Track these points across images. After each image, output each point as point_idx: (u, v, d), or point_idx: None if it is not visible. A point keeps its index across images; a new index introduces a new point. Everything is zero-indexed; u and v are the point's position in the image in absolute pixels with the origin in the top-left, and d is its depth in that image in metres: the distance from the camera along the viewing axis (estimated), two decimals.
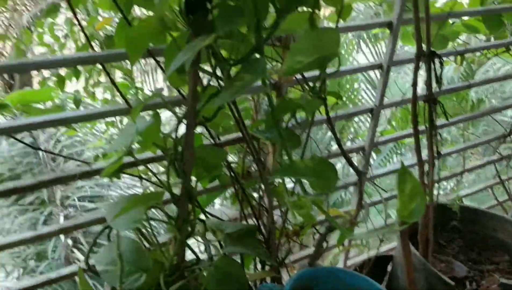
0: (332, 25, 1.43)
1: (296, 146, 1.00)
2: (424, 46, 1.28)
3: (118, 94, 2.40)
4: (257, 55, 0.88)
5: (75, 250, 3.72)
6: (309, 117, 1.09)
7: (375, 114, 1.61)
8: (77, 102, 1.81)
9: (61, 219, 3.89)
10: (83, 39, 2.21)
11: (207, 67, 0.94)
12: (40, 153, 3.83)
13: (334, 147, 2.58)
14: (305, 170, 0.88)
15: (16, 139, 1.43)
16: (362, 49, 5.12)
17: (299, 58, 0.90)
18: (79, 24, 1.01)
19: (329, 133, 4.63)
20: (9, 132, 0.91)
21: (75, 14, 0.97)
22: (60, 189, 4.08)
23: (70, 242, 3.72)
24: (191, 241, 1.07)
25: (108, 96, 2.38)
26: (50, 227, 1.15)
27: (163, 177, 1.05)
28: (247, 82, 0.80)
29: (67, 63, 0.96)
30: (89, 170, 1.07)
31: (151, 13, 0.97)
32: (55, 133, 3.79)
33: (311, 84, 1.06)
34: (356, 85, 4.82)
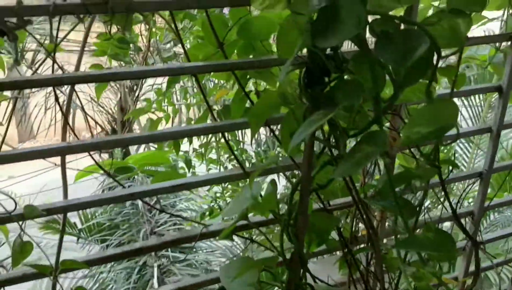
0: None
1: (413, 216, 0.99)
2: None
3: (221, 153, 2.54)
4: (376, 127, 0.90)
5: None
6: (423, 185, 1.08)
7: (484, 178, 1.57)
8: (188, 163, 1.93)
9: (155, 270, 3.98)
10: (194, 107, 2.37)
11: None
12: (140, 203, 3.98)
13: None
14: (425, 243, 0.87)
15: (114, 179, 1.51)
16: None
17: (417, 129, 0.91)
18: (203, 94, 1.09)
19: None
20: (141, 196, 0.99)
21: (200, 87, 1.05)
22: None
23: None
24: None
25: (213, 155, 2.51)
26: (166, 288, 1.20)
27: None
28: (369, 156, 0.82)
29: (193, 133, 1.04)
30: (207, 232, 1.13)
31: None
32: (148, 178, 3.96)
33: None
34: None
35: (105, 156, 6.33)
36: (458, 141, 5.07)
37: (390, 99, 0.91)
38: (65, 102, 0.95)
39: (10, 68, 0.87)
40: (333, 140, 0.98)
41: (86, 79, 0.92)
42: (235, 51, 1.20)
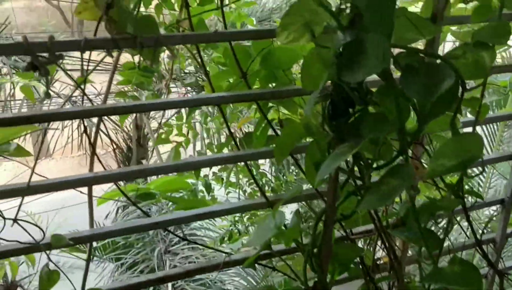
0: None
1: (438, 248, 0.99)
2: None
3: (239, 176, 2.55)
4: (402, 159, 0.90)
5: None
6: (448, 215, 1.07)
7: (506, 206, 1.55)
8: (208, 187, 1.93)
9: (169, 289, 3.95)
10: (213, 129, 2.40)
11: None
12: None
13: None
14: (451, 277, 0.86)
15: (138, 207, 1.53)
16: None
17: (442, 161, 0.92)
18: (227, 124, 1.10)
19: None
20: (165, 226, 1.00)
21: (224, 117, 1.06)
22: (169, 259, 4.19)
23: None
24: None
25: (232, 178, 2.51)
26: None
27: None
28: (395, 190, 0.82)
29: (217, 162, 1.05)
30: (230, 261, 1.13)
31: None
32: (167, 203, 3.98)
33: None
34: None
35: None
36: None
37: (415, 133, 0.91)
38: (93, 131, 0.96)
39: (40, 100, 0.89)
40: (357, 170, 0.98)
41: (115, 111, 0.93)
42: (257, 79, 1.22)
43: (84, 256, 1.08)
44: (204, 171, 2.26)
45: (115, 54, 1.00)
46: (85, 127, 0.95)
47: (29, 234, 0.92)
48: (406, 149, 0.90)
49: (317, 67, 0.98)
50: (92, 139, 0.96)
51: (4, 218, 0.90)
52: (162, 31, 1.35)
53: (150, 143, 6.14)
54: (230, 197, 2.48)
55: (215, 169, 2.26)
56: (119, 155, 6.61)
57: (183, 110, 2.71)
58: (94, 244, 4.31)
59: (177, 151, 1.22)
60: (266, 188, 2.20)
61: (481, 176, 4.39)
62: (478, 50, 0.94)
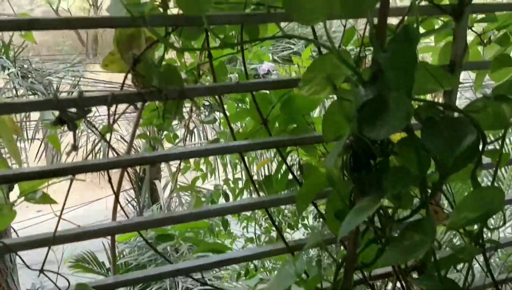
0: None
1: None
2: None
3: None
4: (424, 212, 0.91)
5: None
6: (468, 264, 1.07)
7: None
8: (225, 223, 1.93)
9: None
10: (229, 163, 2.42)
11: None
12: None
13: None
14: None
15: (158, 253, 1.54)
16: None
17: (464, 214, 0.92)
18: (246, 167, 1.12)
19: None
20: (187, 272, 1.01)
21: (245, 164, 1.08)
22: (181, 280, 4.18)
23: None
24: None
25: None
26: None
27: None
28: (418, 245, 0.82)
29: (238, 209, 1.06)
30: None
31: None
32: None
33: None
34: None
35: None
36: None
37: (435, 185, 0.92)
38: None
39: (68, 152, 0.91)
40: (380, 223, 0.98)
41: (140, 161, 0.95)
42: (277, 123, 1.24)
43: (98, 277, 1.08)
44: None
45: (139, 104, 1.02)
46: (109, 177, 0.97)
47: (55, 284, 0.93)
48: (427, 202, 0.90)
49: (338, 118, 1.00)
50: (115, 189, 0.98)
51: (30, 269, 0.91)
52: (183, 75, 1.38)
53: (163, 165, 6.17)
54: (246, 232, 2.50)
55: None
56: (132, 175, 6.62)
57: None
58: (107, 264, 4.32)
59: (198, 200, 1.24)
60: (283, 223, 2.20)
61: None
62: (498, 102, 0.95)
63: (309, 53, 1.82)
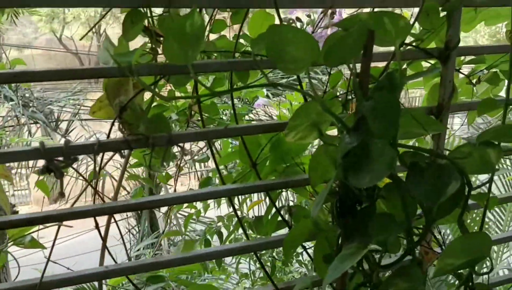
0: None
1: None
2: None
3: None
4: (410, 257, 0.90)
5: None
6: None
7: None
8: (219, 261, 1.92)
9: None
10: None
11: None
12: None
13: None
14: None
15: None
16: None
17: (450, 261, 0.92)
18: (235, 211, 1.12)
19: None
20: None
21: (234, 208, 1.08)
22: None
23: None
24: None
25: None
26: None
27: None
28: None
29: (228, 253, 1.06)
30: None
31: None
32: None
33: None
34: None
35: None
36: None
37: (422, 233, 0.92)
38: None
39: (55, 199, 0.91)
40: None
41: (126, 207, 0.96)
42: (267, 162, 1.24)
43: None
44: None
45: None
46: (96, 223, 0.97)
47: None
48: (413, 248, 0.90)
49: (325, 162, 1.00)
50: (103, 234, 0.98)
51: None
52: (174, 116, 1.39)
53: (163, 192, 6.17)
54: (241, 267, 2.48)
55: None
56: None
57: None
58: None
59: (188, 243, 1.23)
60: (276, 259, 2.18)
61: (498, 222, 4.28)
62: (484, 147, 0.95)
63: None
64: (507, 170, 3.73)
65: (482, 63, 1.31)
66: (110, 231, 1.07)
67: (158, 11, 1.03)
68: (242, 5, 1.02)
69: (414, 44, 1.11)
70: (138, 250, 4.51)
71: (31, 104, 6.53)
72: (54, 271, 1.07)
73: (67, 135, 6.94)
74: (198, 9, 0.88)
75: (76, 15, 14.90)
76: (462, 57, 1.31)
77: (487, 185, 1.03)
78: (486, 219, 3.55)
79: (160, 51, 1.03)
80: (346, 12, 1.32)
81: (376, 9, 1.08)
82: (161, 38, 1.02)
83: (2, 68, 1.55)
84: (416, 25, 1.11)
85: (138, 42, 1.03)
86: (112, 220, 1.03)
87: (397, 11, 1.19)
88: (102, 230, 1.04)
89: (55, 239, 0.94)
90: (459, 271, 1.05)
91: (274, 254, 1.72)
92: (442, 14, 1.10)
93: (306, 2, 1.04)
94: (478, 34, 12.24)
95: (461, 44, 1.14)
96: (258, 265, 2.12)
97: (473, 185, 0.91)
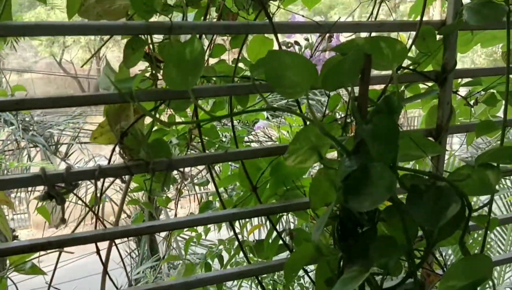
0: None
1: None
2: None
3: None
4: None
5: None
6: None
7: None
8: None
9: None
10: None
11: None
12: None
13: None
14: None
15: None
16: None
17: (452, 283, 0.91)
18: (236, 235, 1.11)
19: None
20: None
21: (235, 233, 1.08)
22: None
23: None
24: None
25: None
26: None
27: None
28: None
29: (228, 278, 1.05)
30: None
31: None
32: None
33: None
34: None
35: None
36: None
37: (423, 256, 0.92)
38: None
39: (56, 225, 0.92)
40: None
41: (127, 233, 0.96)
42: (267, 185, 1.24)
43: None
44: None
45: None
46: (97, 248, 0.97)
47: None
48: (415, 271, 0.90)
49: (325, 185, 1.01)
50: (104, 259, 0.98)
51: None
52: (174, 140, 1.40)
53: (162, 217, 6.15)
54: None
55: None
56: None
57: None
58: None
59: (189, 267, 1.23)
60: (278, 282, 2.16)
61: (500, 242, 4.23)
62: (483, 169, 0.96)
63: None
64: (507, 190, 3.73)
65: (479, 85, 1.33)
66: (110, 254, 1.07)
67: (158, 37, 1.04)
68: (241, 31, 1.03)
69: (411, 67, 1.13)
70: (138, 273, 4.47)
71: (31, 128, 6.55)
72: None
73: (67, 159, 6.93)
74: (197, 36, 0.89)
75: (76, 38, 15.03)
76: (459, 79, 1.33)
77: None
78: (488, 239, 3.53)
79: (160, 76, 1.04)
80: (343, 36, 1.34)
81: (373, 34, 1.09)
82: (161, 64, 1.03)
83: (4, 95, 1.56)
84: (413, 48, 1.13)
85: (139, 65, 1.05)
86: (113, 244, 1.03)
87: (394, 35, 1.21)
88: (103, 253, 1.04)
89: (56, 265, 0.94)
90: None
91: (275, 277, 1.72)
92: (439, 37, 1.12)
93: (303, 28, 1.06)
94: (475, 54, 12.34)
95: (459, 63, 1.16)
96: (259, 289, 2.10)
97: (474, 207, 0.91)
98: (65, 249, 0.94)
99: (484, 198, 1.36)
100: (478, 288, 0.89)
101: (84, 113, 7.80)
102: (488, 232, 1.04)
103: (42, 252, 0.96)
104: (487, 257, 0.92)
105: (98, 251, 0.97)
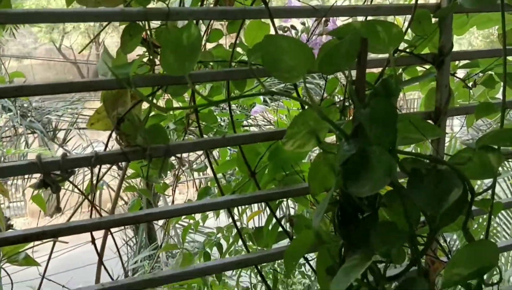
0: None
1: None
2: None
3: None
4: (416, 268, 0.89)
5: None
6: None
7: None
8: (219, 276, 1.88)
9: None
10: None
11: None
12: None
13: None
14: None
15: None
16: None
17: (457, 270, 0.89)
18: (235, 223, 1.11)
19: None
20: None
21: (234, 221, 1.07)
22: None
23: None
24: None
25: None
26: None
27: None
28: None
29: (226, 267, 1.04)
30: None
31: None
32: None
33: None
34: None
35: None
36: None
37: (427, 242, 0.91)
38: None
39: (51, 214, 0.91)
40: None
41: (123, 221, 0.94)
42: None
43: None
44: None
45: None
46: (92, 238, 0.95)
47: None
48: (419, 259, 0.89)
49: (324, 170, 0.99)
50: (99, 249, 0.97)
51: None
52: (172, 125, 1.38)
53: (161, 203, 6.15)
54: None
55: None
56: None
57: None
58: None
59: (187, 257, 1.22)
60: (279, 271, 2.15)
61: (506, 225, 4.18)
62: (484, 153, 0.94)
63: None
64: (510, 173, 3.69)
65: (476, 67, 1.31)
66: (106, 242, 1.06)
67: (156, 22, 1.02)
68: (237, 17, 1.02)
69: (408, 50, 1.11)
70: (135, 262, 4.45)
71: (29, 114, 6.51)
72: (48, 287, 1.06)
73: (65, 145, 6.92)
74: (194, 21, 0.87)
75: (75, 24, 14.90)
76: (457, 62, 1.31)
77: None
78: (494, 224, 3.49)
79: (157, 62, 1.02)
80: (340, 20, 1.32)
81: (369, 17, 1.08)
82: (159, 49, 1.01)
83: (2, 81, 1.55)
84: (410, 31, 1.11)
85: (136, 50, 1.03)
86: (109, 232, 1.02)
87: (390, 18, 1.19)
88: (98, 242, 1.03)
89: (50, 255, 0.93)
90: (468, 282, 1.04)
91: (275, 265, 1.71)
92: (434, 20, 1.10)
93: (300, 13, 1.04)
94: (472, 35, 12.24)
95: (456, 45, 1.14)
96: (259, 278, 2.10)
97: (477, 191, 0.90)
98: (60, 238, 0.93)
99: (488, 181, 1.34)
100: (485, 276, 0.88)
101: (83, 98, 7.76)
102: (493, 216, 1.02)
103: (37, 242, 0.95)
104: (492, 243, 0.91)
105: (93, 241, 0.96)
